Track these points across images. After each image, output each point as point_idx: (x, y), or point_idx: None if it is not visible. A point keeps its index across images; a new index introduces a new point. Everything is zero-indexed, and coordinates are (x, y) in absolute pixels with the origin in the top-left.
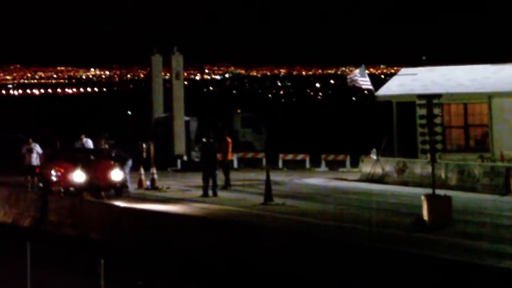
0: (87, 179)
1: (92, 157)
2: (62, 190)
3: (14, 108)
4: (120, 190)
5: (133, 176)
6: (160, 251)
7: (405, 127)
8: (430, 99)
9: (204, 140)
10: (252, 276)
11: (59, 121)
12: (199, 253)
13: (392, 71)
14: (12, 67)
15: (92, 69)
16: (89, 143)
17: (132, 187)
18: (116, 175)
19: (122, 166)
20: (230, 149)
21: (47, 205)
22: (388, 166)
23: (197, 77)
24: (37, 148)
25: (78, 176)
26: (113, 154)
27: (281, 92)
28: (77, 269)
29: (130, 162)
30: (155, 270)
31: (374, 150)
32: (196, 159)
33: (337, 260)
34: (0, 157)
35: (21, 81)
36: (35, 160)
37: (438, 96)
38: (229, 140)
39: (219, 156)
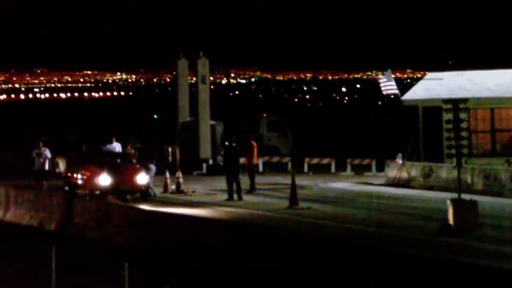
0: (113, 183)
1: (118, 160)
2: (88, 193)
3: (40, 112)
4: (145, 193)
5: (159, 180)
6: (185, 254)
7: (431, 132)
8: (456, 104)
9: (226, 144)
10: (269, 277)
11: (85, 125)
12: (225, 256)
13: (419, 75)
14: (39, 71)
15: (118, 73)
16: (118, 147)
17: (156, 191)
18: (142, 178)
19: (147, 170)
20: (255, 153)
21: (73, 209)
22: (414, 170)
23: (223, 81)
24: (47, 153)
25: (104, 180)
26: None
27: (307, 97)
28: (101, 272)
29: (153, 168)
30: (180, 273)
31: (400, 154)
32: (222, 163)
33: (364, 266)
34: (26, 161)
35: (48, 85)
36: (44, 164)
37: (465, 100)
38: (254, 144)
39: (244, 160)
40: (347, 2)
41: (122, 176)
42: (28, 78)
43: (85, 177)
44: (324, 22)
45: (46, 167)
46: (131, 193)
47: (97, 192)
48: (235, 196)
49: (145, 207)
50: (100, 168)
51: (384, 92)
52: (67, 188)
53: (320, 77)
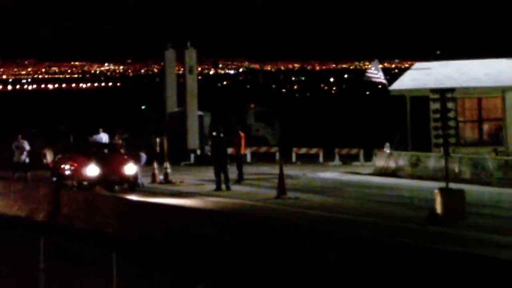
0: (101, 173)
1: (106, 151)
2: (75, 184)
3: (28, 103)
4: (133, 184)
5: (147, 170)
6: (173, 244)
7: (418, 121)
8: (444, 93)
9: (214, 134)
10: (260, 267)
11: (73, 115)
12: (212, 246)
13: (406, 65)
14: (26, 62)
15: (106, 64)
16: (105, 138)
17: (144, 181)
18: (130, 169)
19: (138, 159)
20: (243, 143)
21: (61, 199)
22: (402, 160)
23: (211, 72)
24: (25, 145)
25: (92, 170)
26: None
27: (295, 87)
28: (89, 263)
29: (144, 156)
30: (169, 264)
31: (388, 144)
32: (209, 153)
33: (350, 255)
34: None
35: (36, 76)
36: (24, 157)
37: (452, 90)
38: (242, 134)
39: (232, 150)
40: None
41: (110, 167)
42: (15, 69)
43: (73, 168)
44: (311, 11)
45: (25, 159)
46: (119, 184)
47: (85, 182)
48: (223, 186)
49: (133, 197)
50: (87, 159)
51: (370, 79)
52: (54, 179)
53: (308, 67)
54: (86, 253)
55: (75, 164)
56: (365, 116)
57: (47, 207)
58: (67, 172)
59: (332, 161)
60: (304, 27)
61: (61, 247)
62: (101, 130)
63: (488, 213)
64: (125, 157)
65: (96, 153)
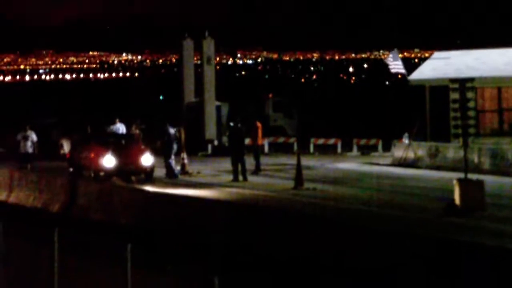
0: (117, 164)
1: (123, 141)
2: (92, 174)
3: (45, 93)
4: (150, 174)
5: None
6: (189, 235)
7: (438, 112)
8: (463, 83)
9: (231, 124)
10: (277, 260)
11: (90, 106)
12: (228, 237)
13: (426, 55)
14: (44, 52)
15: (124, 54)
16: (122, 128)
17: (161, 172)
18: (147, 159)
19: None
20: (260, 134)
21: (77, 190)
22: (421, 150)
23: (229, 62)
24: (33, 136)
25: (109, 161)
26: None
27: (314, 77)
28: (104, 254)
29: (175, 146)
30: (184, 254)
31: (407, 134)
32: (227, 144)
33: (363, 245)
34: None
35: (53, 66)
36: (29, 147)
37: (471, 80)
38: (259, 125)
39: (249, 141)
40: None
41: (126, 157)
42: (33, 60)
43: (89, 158)
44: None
45: (31, 150)
46: (136, 174)
47: (102, 173)
48: (240, 177)
49: (149, 188)
50: (104, 149)
51: (391, 70)
52: (71, 169)
53: (327, 57)
54: (101, 244)
55: (92, 155)
56: (384, 106)
57: (63, 197)
58: (84, 163)
59: (350, 152)
60: (323, 17)
61: (76, 238)
62: (117, 120)
63: (508, 204)
64: (142, 147)
65: (113, 143)
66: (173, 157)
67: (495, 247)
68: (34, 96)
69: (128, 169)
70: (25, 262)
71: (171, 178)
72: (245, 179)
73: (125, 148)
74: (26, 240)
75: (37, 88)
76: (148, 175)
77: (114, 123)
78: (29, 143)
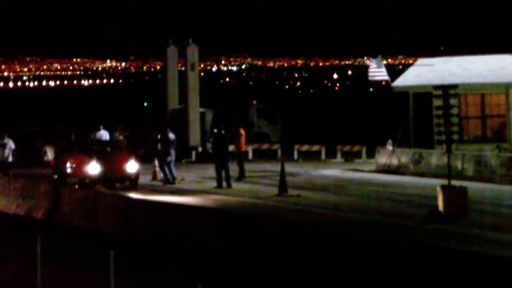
0: (102, 171)
1: (107, 148)
2: (77, 182)
3: (29, 100)
4: (135, 181)
5: (148, 167)
6: (172, 242)
7: (421, 118)
8: (446, 90)
9: (215, 131)
10: (262, 268)
11: (74, 113)
12: (212, 245)
13: (410, 61)
14: (28, 59)
15: (108, 61)
16: (106, 135)
17: (145, 179)
18: (131, 166)
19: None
20: (243, 141)
21: (60, 197)
22: (404, 157)
23: (214, 68)
24: (11, 144)
25: (93, 168)
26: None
27: (298, 83)
28: (87, 262)
29: (173, 152)
30: (167, 261)
31: (390, 141)
32: (211, 151)
33: (346, 252)
34: (17, 149)
35: (37, 73)
36: (7, 155)
37: (454, 86)
38: (243, 131)
39: (233, 147)
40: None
41: (111, 164)
42: (17, 66)
43: (74, 165)
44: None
45: (10, 158)
46: (121, 181)
47: (86, 180)
48: (224, 184)
49: (133, 195)
50: (89, 156)
51: (374, 79)
52: (55, 176)
53: (311, 64)
54: (84, 251)
55: (76, 162)
56: (368, 113)
57: (47, 205)
58: (68, 170)
59: (334, 158)
60: (307, 24)
61: (59, 245)
62: (101, 127)
63: (491, 211)
64: (127, 154)
65: (98, 150)
66: (169, 161)
67: (479, 253)
68: (17, 103)
69: (113, 176)
70: (7, 270)
71: (166, 183)
72: (229, 186)
73: (109, 155)
74: (8, 247)
75: (21, 95)
76: (132, 182)
77: (98, 130)
78: (6, 151)
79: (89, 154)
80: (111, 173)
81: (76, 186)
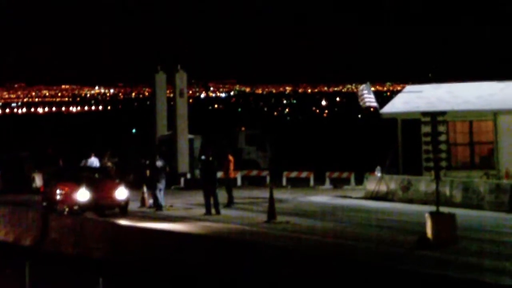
0: (92, 198)
1: (96, 175)
2: (66, 209)
3: (18, 127)
4: (125, 208)
5: (136, 194)
6: (161, 268)
7: (410, 145)
8: (435, 117)
9: (203, 158)
10: None
11: (62, 139)
12: (201, 271)
13: (398, 88)
14: (16, 85)
15: (96, 87)
16: (97, 162)
17: (134, 205)
18: (121, 193)
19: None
20: (232, 167)
21: (48, 224)
22: (393, 183)
23: (202, 95)
24: None
25: (83, 195)
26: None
27: (287, 110)
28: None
29: (161, 178)
30: (156, 287)
31: (379, 167)
32: (200, 177)
33: (335, 278)
34: (5, 176)
35: (25, 99)
36: None
37: (443, 113)
38: (231, 158)
39: (221, 174)
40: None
41: (101, 192)
42: (5, 93)
43: (63, 192)
44: (302, 34)
45: None
46: (110, 208)
47: (76, 207)
48: (213, 211)
49: (122, 222)
50: (78, 184)
51: (362, 104)
52: (45, 203)
53: (300, 90)
54: (73, 278)
55: (66, 189)
56: (356, 139)
57: (35, 231)
58: (58, 197)
59: (323, 185)
60: (296, 51)
61: (47, 272)
62: (93, 154)
63: (480, 238)
64: (116, 181)
65: (87, 177)
66: (159, 188)
67: (468, 280)
68: (5, 130)
69: (103, 203)
70: None
71: (158, 210)
72: (217, 212)
73: (99, 182)
74: None
75: (9, 121)
76: (122, 209)
77: (89, 157)
78: None
79: (78, 181)
80: (101, 200)
81: (66, 213)
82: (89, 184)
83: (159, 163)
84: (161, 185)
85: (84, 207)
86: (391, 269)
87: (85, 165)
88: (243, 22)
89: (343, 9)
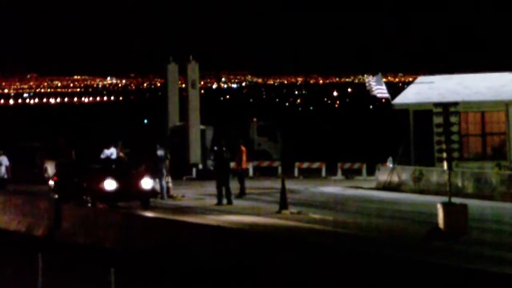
0: (117, 189)
1: (120, 166)
2: (90, 199)
3: (30, 117)
4: (148, 199)
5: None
6: (172, 258)
7: (421, 136)
8: (447, 107)
9: (216, 148)
10: (260, 284)
11: (75, 130)
12: (211, 261)
13: (410, 79)
14: (28, 76)
15: (108, 78)
16: (115, 153)
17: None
18: (146, 183)
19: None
20: (244, 158)
21: (61, 214)
22: (405, 174)
23: (214, 86)
24: (5, 161)
25: (110, 185)
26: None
27: (298, 101)
28: (88, 278)
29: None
30: (167, 277)
31: (391, 158)
32: (211, 168)
33: (347, 269)
34: (17, 165)
35: (38, 90)
36: (2, 173)
37: (455, 104)
38: (243, 148)
39: (234, 165)
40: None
41: (127, 181)
42: (17, 83)
43: (88, 182)
44: (316, 25)
45: (5, 175)
46: (136, 198)
47: (101, 198)
48: (225, 201)
49: (145, 212)
50: (105, 173)
51: (376, 94)
52: (56, 195)
53: (311, 81)
54: (85, 268)
55: (91, 179)
56: (368, 130)
57: (47, 221)
58: (83, 187)
59: (335, 176)
60: (308, 41)
61: (59, 262)
62: (112, 146)
63: (491, 228)
64: (141, 171)
65: (112, 168)
66: (163, 178)
67: (479, 271)
68: (18, 120)
69: (129, 193)
70: (8, 286)
71: (161, 198)
72: (229, 202)
73: (124, 173)
74: (9, 264)
75: (22, 112)
76: (146, 199)
77: (108, 147)
78: (2, 169)
79: (104, 170)
80: (126, 189)
81: (89, 204)
82: (116, 173)
83: (159, 152)
84: (162, 174)
85: (110, 197)
86: (400, 259)
87: (105, 155)
88: (257, 13)
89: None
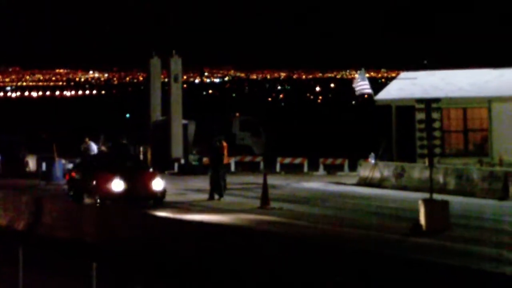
0: (126, 188)
1: (130, 165)
2: (98, 200)
3: (11, 111)
4: (161, 200)
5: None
6: (152, 254)
7: (404, 132)
8: (429, 103)
9: (212, 143)
10: (244, 280)
11: (56, 124)
12: (192, 257)
13: (393, 75)
14: (10, 69)
15: (91, 72)
16: (93, 147)
17: None
18: (158, 184)
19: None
20: (226, 153)
21: (42, 208)
22: (386, 170)
23: (197, 80)
24: None
25: (117, 185)
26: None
27: (281, 96)
28: (69, 273)
29: None
30: (149, 273)
31: (373, 154)
32: (194, 163)
33: (326, 264)
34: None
35: (19, 83)
36: None
37: (437, 100)
38: (225, 144)
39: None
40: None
41: (136, 182)
42: None
43: (95, 182)
44: (298, 20)
45: None
46: (146, 199)
47: (109, 198)
48: (216, 196)
49: (158, 213)
50: (112, 173)
51: (357, 92)
52: (71, 193)
53: (294, 76)
54: (65, 263)
55: (98, 179)
56: (350, 126)
57: (28, 216)
58: (90, 187)
59: (317, 171)
60: (291, 36)
61: (40, 257)
62: (87, 139)
63: (473, 225)
64: (152, 171)
65: (121, 167)
66: None
67: (461, 267)
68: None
69: (138, 194)
70: None
71: None
72: (220, 196)
73: (134, 172)
74: None
75: (3, 105)
76: (158, 200)
77: (84, 142)
78: None
79: (112, 170)
80: (136, 190)
81: (97, 204)
82: (124, 174)
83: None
84: None
85: (118, 198)
86: (381, 255)
87: (85, 150)
88: (240, 7)
89: None
